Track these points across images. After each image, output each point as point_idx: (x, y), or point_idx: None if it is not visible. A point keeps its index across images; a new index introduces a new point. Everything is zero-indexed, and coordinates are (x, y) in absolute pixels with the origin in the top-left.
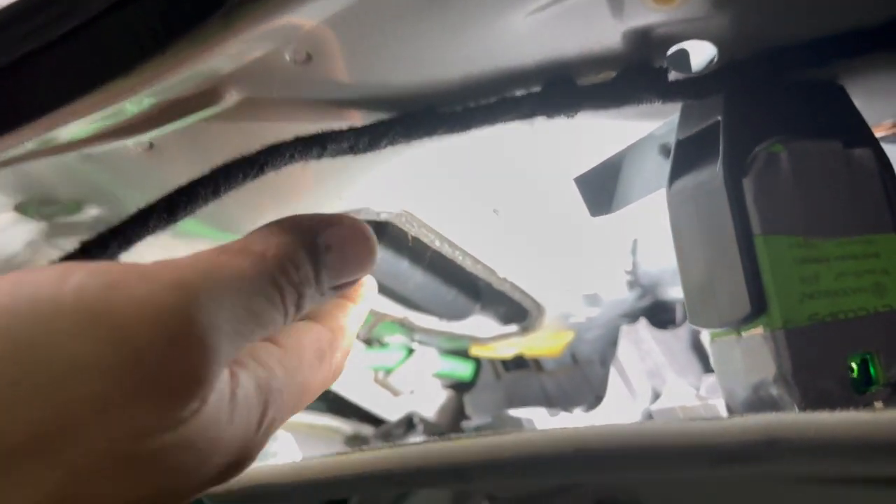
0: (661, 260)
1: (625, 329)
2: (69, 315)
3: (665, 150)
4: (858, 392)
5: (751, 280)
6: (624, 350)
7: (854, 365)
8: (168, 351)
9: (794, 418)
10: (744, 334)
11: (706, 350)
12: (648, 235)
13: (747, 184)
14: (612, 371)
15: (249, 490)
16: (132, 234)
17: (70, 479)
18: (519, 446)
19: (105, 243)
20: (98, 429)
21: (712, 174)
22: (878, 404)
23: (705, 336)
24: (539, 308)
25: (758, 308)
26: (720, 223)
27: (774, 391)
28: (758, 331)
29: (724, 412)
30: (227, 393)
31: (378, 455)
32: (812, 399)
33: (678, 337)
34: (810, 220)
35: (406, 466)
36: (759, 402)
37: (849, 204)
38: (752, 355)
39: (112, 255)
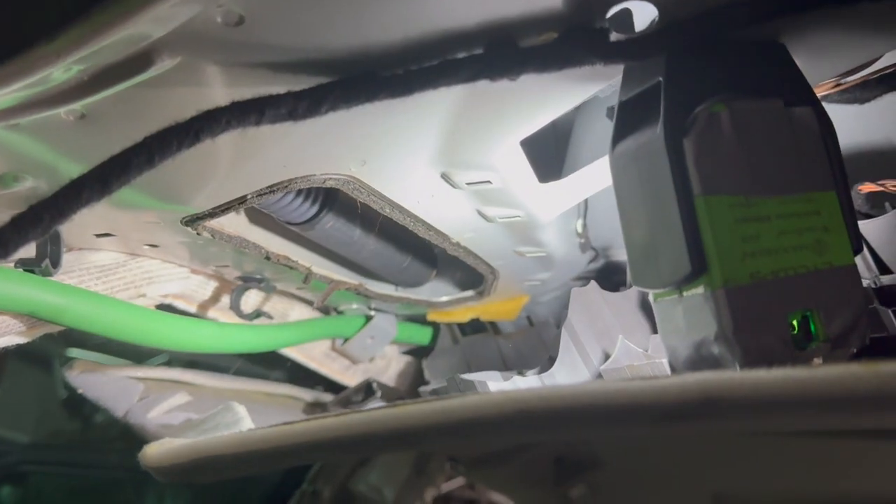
0: (612, 222)
1: (575, 292)
2: None
3: (612, 113)
4: (799, 348)
5: (691, 240)
6: (574, 312)
7: (795, 322)
8: None
9: (731, 377)
10: (685, 294)
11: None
12: (599, 198)
13: (688, 144)
14: (563, 333)
15: (195, 462)
16: (65, 208)
17: None
18: (463, 410)
19: (38, 217)
20: None
21: (653, 135)
22: (818, 360)
23: (652, 301)
24: (493, 272)
25: (698, 268)
26: (661, 184)
27: (716, 350)
28: (698, 290)
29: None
30: None
31: (323, 424)
32: (753, 357)
33: (628, 298)
34: (751, 178)
35: (351, 434)
36: (702, 360)
37: (790, 162)
38: (693, 314)
39: (45, 230)
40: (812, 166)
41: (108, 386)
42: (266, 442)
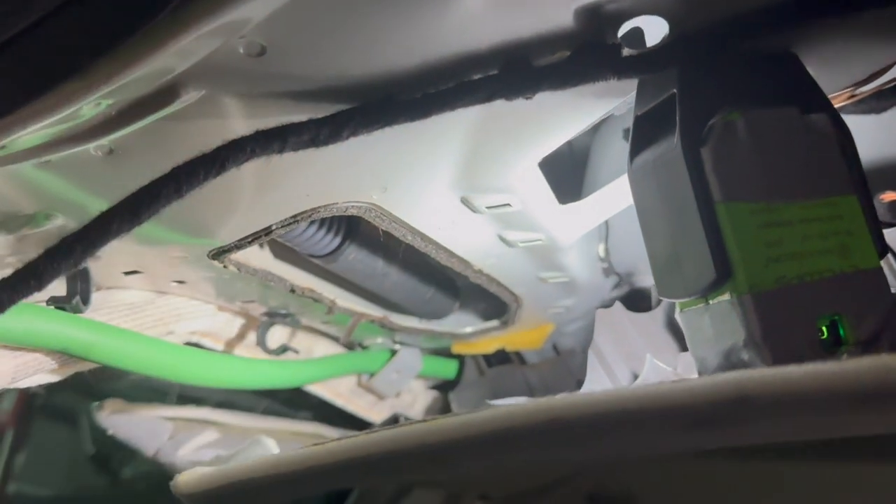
0: (634, 247)
1: (600, 313)
2: None
3: (628, 135)
4: (829, 353)
5: (714, 247)
6: (600, 334)
7: (824, 327)
8: None
9: (762, 373)
10: (711, 302)
11: (681, 329)
12: (620, 222)
13: (705, 153)
14: (590, 355)
15: (228, 488)
16: (96, 238)
17: None
18: (491, 422)
19: (70, 249)
20: None
21: (670, 146)
22: None
23: (678, 312)
24: (517, 300)
25: (723, 274)
26: (681, 194)
27: (745, 356)
28: (725, 297)
29: None
30: None
31: (354, 442)
32: (782, 362)
33: (654, 318)
34: (771, 185)
35: (380, 451)
36: (731, 368)
37: (809, 168)
38: (720, 322)
39: (77, 262)
40: (831, 171)
41: (138, 426)
42: (298, 464)
